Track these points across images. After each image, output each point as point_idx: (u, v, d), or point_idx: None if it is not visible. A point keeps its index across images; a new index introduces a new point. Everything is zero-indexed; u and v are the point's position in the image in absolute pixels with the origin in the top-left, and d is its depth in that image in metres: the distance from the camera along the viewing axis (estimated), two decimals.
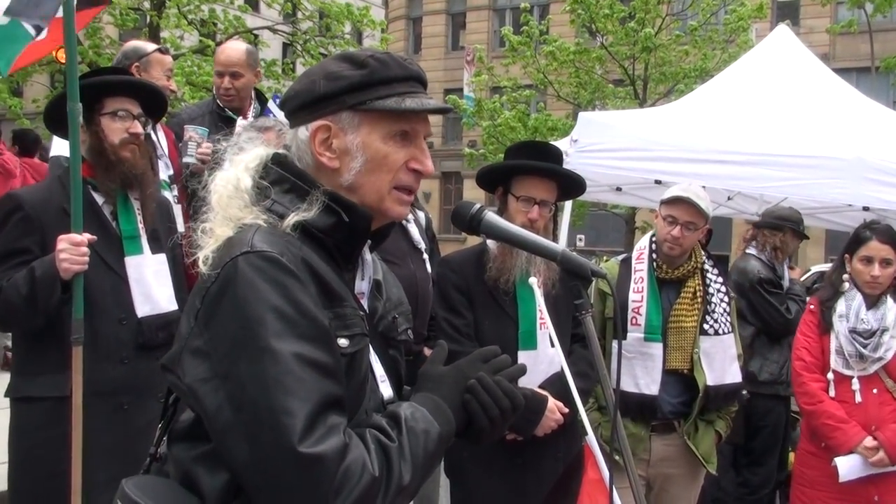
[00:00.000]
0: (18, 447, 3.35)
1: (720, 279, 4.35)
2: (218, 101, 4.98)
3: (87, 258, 3.16)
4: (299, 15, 22.28)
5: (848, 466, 4.13)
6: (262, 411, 1.55)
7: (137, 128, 3.41)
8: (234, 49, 5.03)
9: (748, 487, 5.96)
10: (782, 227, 6.00)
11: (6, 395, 3.40)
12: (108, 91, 3.41)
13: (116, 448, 3.23)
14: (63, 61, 16.92)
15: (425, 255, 4.46)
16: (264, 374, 1.57)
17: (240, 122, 4.75)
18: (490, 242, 3.67)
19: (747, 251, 6.08)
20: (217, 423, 1.61)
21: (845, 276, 4.36)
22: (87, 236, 3.17)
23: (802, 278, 9.71)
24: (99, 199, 3.39)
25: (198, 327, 1.67)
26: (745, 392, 5.46)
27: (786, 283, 6.02)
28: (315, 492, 1.53)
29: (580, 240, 28.00)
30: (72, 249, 3.11)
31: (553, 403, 3.57)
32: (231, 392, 1.59)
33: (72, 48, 3.37)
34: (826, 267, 11.06)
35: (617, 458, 2.42)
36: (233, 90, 4.87)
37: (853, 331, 4.24)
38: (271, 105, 4.99)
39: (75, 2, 3.39)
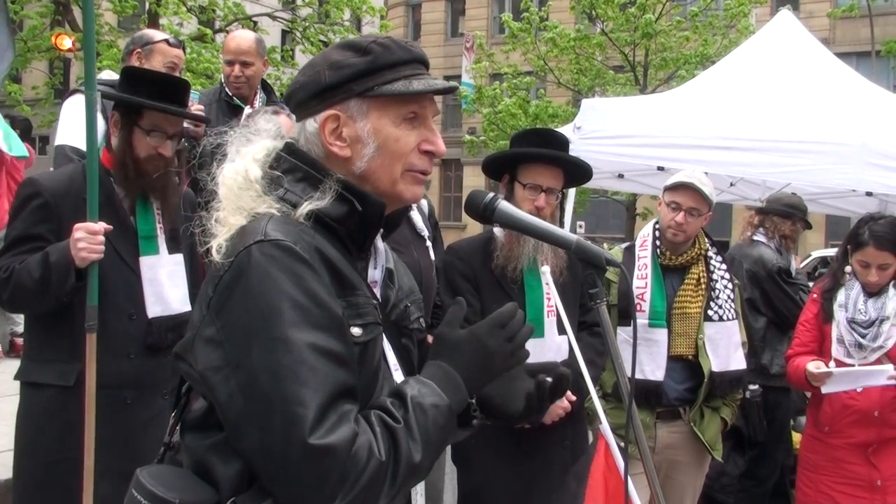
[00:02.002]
0: (23, 431, 3.38)
1: (724, 266, 4.37)
2: (227, 89, 4.97)
3: (102, 247, 3.15)
4: (298, 2, 22.24)
5: (831, 384, 4.17)
6: (275, 401, 1.56)
7: (167, 149, 3.36)
8: (244, 38, 5.04)
9: (755, 479, 5.93)
10: (792, 215, 5.90)
11: (16, 378, 3.42)
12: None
13: (116, 441, 3.24)
14: (63, 48, 16.79)
15: (428, 243, 4.45)
16: (277, 363, 1.57)
17: (246, 110, 4.75)
18: (497, 230, 3.67)
19: (755, 238, 5.96)
20: (229, 411, 1.62)
21: (847, 268, 4.36)
22: (102, 225, 3.16)
23: (802, 264, 9.69)
24: (120, 192, 3.36)
25: (210, 315, 1.67)
26: (756, 387, 5.51)
27: (793, 273, 5.95)
28: (324, 481, 1.53)
29: (580, 226, 27.93)
30: (89, 238, 3.11)
31: None
32: (243, 381, 1.59)
33: (89, 38, 3.29)
34: (826, 252, 11.09)
35: (626, 445, 2.43)
36: (243, 78, 4.89)
37: (852, 321, 4.26)
38: None
39: None
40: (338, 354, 1.63)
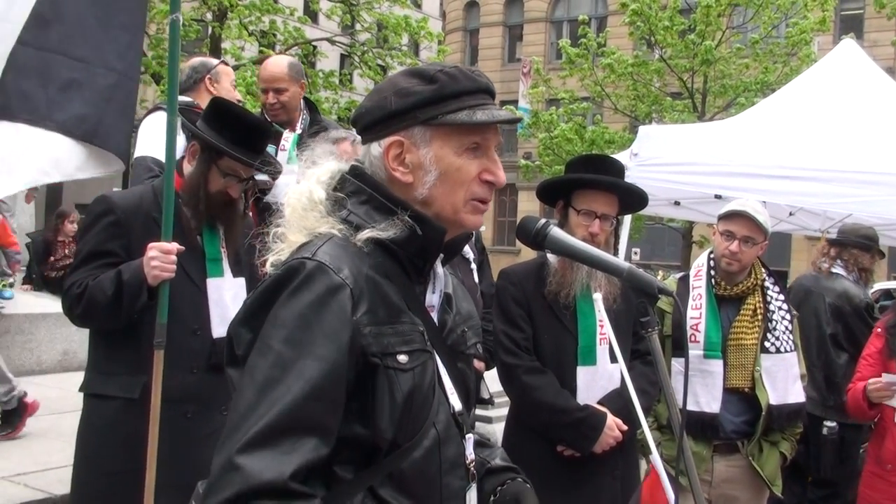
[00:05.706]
0: (86, 442, 3.43)
1: (781, 296, 4.28)
2: (266, 115, 5.02)
3: (174, 266, 3.23)
4: (357, 27, 22.52)
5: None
6: (240, 403, 1.64)
7: (235, 191, 3.46)
8: (276, 64, 5.05)
9: None
10: (871, 247, 5.83)
11: (80, 390, 3.48)
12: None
13: (175, 455, 3.27)
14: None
15: (473, 265, 4.48)
16: (261, 370, 1.65)
17: (286, 134, 4.76)
18: (550, 256, 3.63)
19: (833, 270, 5.87)
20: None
21: None
22: (175, 245, 3.25)
23: None
24: (187, 213, 3.43)
25: (244, 314, 1.78)
26: (834, 424, 5.39)
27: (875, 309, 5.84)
28: (222, 490, 1.56)
29: (635, 253, 27.75)
30: (162, 257, 3.20)
31: (612, 420, 3.52)
32: (242, 379, 1.69)
33: (174, 66, 3.37)
34: (889, 284, 10.83)
35: (681, 479, 2.38)
36: (278, 104, 4.89)
37: None
38: None
39: (181, 21, 3.41)
40: (318, 388, 1.64)
